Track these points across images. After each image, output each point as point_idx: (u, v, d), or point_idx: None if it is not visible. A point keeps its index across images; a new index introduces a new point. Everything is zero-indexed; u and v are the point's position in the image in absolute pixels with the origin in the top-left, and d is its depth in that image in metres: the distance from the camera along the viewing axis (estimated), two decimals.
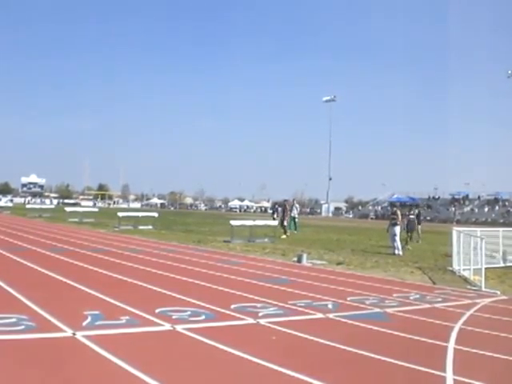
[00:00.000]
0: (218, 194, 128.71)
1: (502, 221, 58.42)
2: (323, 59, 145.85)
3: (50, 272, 8.74)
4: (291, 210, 23.42)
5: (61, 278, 8.15)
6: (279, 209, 26.02)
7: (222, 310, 6.21)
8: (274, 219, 23.36)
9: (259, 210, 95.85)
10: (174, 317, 5.71)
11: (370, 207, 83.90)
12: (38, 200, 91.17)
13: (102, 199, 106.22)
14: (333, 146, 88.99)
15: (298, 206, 25.80)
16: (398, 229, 15.76)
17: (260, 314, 6.07)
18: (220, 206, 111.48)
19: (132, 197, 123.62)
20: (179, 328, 5.25)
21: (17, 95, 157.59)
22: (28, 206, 45.31)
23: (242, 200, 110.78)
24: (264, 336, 5.21)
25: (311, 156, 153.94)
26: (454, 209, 70.01)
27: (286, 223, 21.32)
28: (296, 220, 23.35)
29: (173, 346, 4.76)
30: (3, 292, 6.79)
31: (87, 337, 4.72)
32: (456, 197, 74.89)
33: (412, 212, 19.39)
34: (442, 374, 4.17)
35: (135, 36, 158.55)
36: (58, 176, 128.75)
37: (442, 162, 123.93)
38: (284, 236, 20.47)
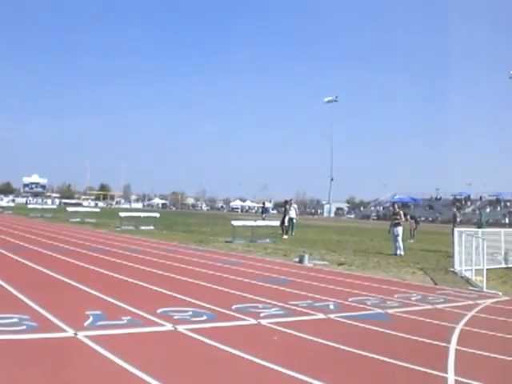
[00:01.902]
0: (219, 194, 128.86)
1: (503, 221, 58.30)
2: (324, 60, 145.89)
3: (51, 272, 8.75)
4: (289, 211, 23.25)
5: (62, 278, 8.16)
6: (266, 208, 26.02)
7: (224, 311, 6.21)
8: (263, 219, 23.10)
9: (261, 210, 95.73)
10: (175, 317, 5.71)
11: (372, 208, 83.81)
12: (40, 200, 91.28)
13: (103, 199, 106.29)
14: (334, 146, 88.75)
15: (295, 206, 24.58)
16: (400, 229, 15.75)
17: (261, 315, 6.06)
18: (221, 207, 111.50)
19: (134, 197, 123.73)
20: (181, 328, 5.25)
21: (18, 95, 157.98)
22: (30, 206, 45.46)
23: (243, 200, 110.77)
24: (265, 336, 5.21)
25: (313, 156, 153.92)
26: (455, 209, 69.86)
27: (286, 223, 21.27)
28: (294, 221, 22.99)
29: (174, 346, 4.76)
30: (5, 292, 6.81)
31: (89, 337, 4.72)
32: (458, 197, 74.73)
33: (459, 214, 19.02)
34: (444, 374, 4.16)
35: (136, 37, 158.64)
36: (59, 176, 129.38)
37: (443, 163, 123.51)
38: (285, 236, 20.47)
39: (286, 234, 20.87)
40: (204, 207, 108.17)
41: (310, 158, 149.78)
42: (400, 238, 15.50)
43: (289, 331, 5.38)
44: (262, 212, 26.76)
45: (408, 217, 22.25)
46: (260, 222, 21.23)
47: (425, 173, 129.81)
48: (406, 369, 4.31)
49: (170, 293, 7.32)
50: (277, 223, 21.72)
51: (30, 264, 9.74)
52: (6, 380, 3.62)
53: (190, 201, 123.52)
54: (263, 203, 29.70)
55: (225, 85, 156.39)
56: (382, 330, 5.68)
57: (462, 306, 7.45)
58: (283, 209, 23.42)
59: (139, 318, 5.62)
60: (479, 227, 24.68)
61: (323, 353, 4.77)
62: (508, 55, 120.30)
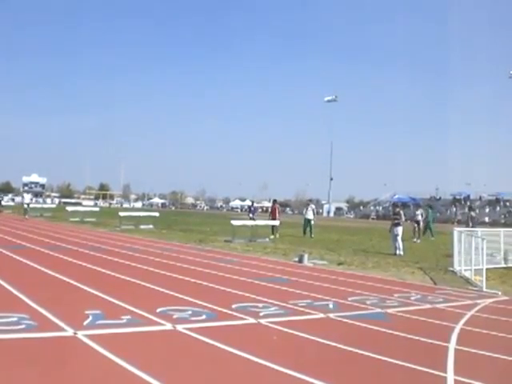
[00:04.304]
0: (219, 193, 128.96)
1: (503, 221, 58.31)
2: (325, 59, 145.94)
3: (50, 271, 8.75)
4: (306, 212, 22.76)
5: (62, 277, 8.16)
6: (254, 208, 25.38)
7: (223, 310, 6.21)
8: (250, 219, 22.68)
9: (260, 209, 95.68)
10: (174, 316, 5.71)
11: (372, 207, 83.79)
12: (40, 199, 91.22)
13: (103, 199, 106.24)
14: (334, 145, 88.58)
15: (313, 207, 23.30)
16: (400, 229, 15.74)
17: (261, 314, 6.06)
18: (221, 206, 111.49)
19: (133, 196, 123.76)
20: (180, 328, 5.25)
21: (18, 95, 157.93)
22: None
23: (243, 200, 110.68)
24: (265, 336, 5.21)
25: (312, 156, 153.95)
26: (455, 209, 69.82)
27: (275, 223, 21.10)
28: (312, 222, 22.11)
29: (174, 345, 4.76)
30: (4, 291, 6.80)
31: (88, 336, 4.72)
32: (457, 197, 74.70)
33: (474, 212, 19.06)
34: (443, 374, 4.17)
35: (136, 35, 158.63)
36: (59, 175, 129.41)
37: (443, 162, 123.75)
38: (272, 236, 20.13)
39: (273, 233, 20.59)
40: (204, 207, 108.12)
41: (310, 157, 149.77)
42: (400, 238, 15.49)
43: (288, 330, 5.38)
44: (250, 212, 24.65)
45: (423, 215, 22.51)
46: (260, 222, 21.15)
47: (425, 173, 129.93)
48: (406, 368, 4.31)
49: (169, 292, 7.32)
50: (276, 223, 21.59)
51: (30, 263, 9.73)
52: (5, 380, 3.62)
53: (190, 200, 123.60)
54: (252, 202, 27.82)
55: (225, 84, 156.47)
56: (381, 329, 5.68)
57: (462, 305, 7.45)
58: (270, 209, 23.25)
59: (138, 317, 5.61)
60: (427, 225, 24.24)
61: (322, 352, 4.77)
62: (508, 55, 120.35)
